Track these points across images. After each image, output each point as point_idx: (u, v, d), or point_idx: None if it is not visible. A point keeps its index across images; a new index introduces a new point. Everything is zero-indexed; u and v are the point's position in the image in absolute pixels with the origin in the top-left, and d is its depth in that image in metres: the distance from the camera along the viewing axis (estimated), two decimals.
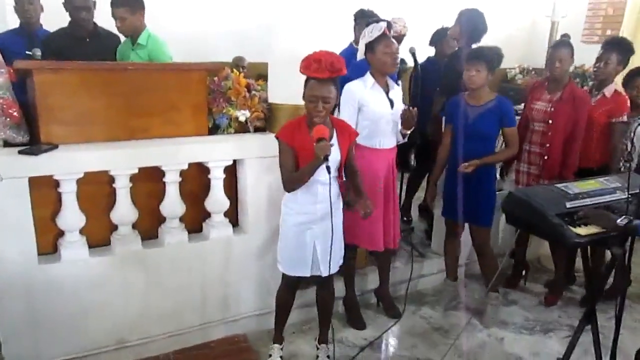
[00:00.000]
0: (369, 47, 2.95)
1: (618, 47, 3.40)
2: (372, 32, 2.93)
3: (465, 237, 3.47)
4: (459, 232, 3.42)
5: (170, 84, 2.85)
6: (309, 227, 2.58)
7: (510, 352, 3.12)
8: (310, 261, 2.63)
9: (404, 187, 4.24)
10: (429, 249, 4.01)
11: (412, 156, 4.00)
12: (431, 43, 4.36)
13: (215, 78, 3.03)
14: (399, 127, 3.05)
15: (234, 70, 3.15)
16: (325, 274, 2.67)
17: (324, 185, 2.52)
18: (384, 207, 3.10)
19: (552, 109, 3.33)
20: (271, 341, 2.93)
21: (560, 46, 3.35)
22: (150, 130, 2.82)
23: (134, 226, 2.83)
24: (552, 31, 4.19)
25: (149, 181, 2.81)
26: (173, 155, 2.76)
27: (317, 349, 2.94)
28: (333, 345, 2.86)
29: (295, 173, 2.48)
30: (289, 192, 2.55)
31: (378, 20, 3.06)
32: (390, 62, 2.93)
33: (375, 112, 2.96)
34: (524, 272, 3.90)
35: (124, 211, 2.73)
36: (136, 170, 2.69)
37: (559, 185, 2.47)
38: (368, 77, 2.99)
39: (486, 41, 3.74)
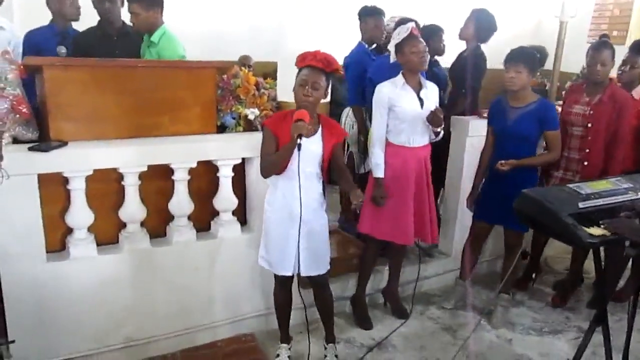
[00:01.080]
0: (398, 48, 2.99)
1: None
2: (399, 34, 2.98)
3: None
4: (485, 233, 3.40)
5: (180, 81, 2.84)
6: (292, 225, 2.55)
7: (519, 353, 3.11)
8: (292, 260, 2.60)
9: None
10: (436, 249, 3.99)
11: None
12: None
13: (225, 76, 3.03)
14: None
15: (242, 68, 3.14)
16: (305, 274, 2.66)
17: (304, 180, 2.49)
18: (417, 202, 3.12)
19: (592, 112, 3.25)
20: (279, 341, 2.92)
21: (602, 48, 3.22)
22: (160, 128, 2.81)
23: (143, 224, 2.82)
24: (561, 31, 4.16)
25: (157, 179, 2.80)
26: (182, 153, 2.75)
27: (325, 348, 2.93)
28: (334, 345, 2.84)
29: (271, 156, 2.48)
30: (265, 177, 2.55)
31: (406, 21, 3.12)
32: (417, 60, 2.95)
33: (405, 111, 2.99)
34: (534, 275, 3.87)
35: (133, 209, 2.72)
36: (145, 168, 2.68)
37: (571, 186, 2.45)
38: (399, 78, 3.02)
39: (492, 42, 3.74)
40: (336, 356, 2.91)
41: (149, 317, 2.85)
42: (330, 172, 2.65)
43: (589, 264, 3.68)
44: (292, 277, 2.73)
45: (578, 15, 6.12)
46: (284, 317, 2.90)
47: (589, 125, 3.25)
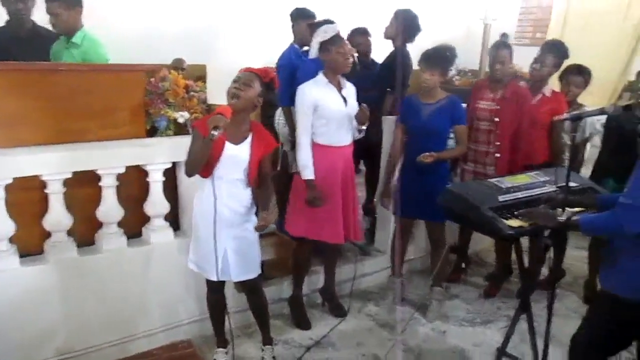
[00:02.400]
0: (324, 46, 3.00)
1: (554, 51, 3.56)
2: (326, 33, 3.00)
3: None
4: (409, 229, 3.49)
5: (106, 85, 2.77)
6: (220, 228, 2.53)
7: (453, 344, 3.21)
8: (218, 265, 2.57)
9: None
10: (372, 247, 4.07)
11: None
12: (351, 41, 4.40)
13: (153, 79, 2.98)
14: (354, 123, 3.10)
15: (172, 71, 3.10)
16: (235, 279, 2.67)
17: (229, 185, 2.50)
18: (343, 201, 3.15)
19: (498, 107, 3.43)
20: (215, 346, 2.90)
21: (500, 48, 3.44)
22: (87, 133, 2.73)
23: (70, 233, 2.72)
24: (485, 33, 4.35)
25: (85, 186, 2.72)
26: (109, 158, 2.68)
27: (262, 350, 2.92)
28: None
29: (191, 152, 2.45)
30: (189, 175, 2.49)
31: (330, 21, 3.13)
32: (343, 61, 2.99)
33: (330, 111, 3.00)
34: (463, 266, 4.01)
35: (58, 217, 2.63)
36: (70, 175, 2.60)
37: (492, 180, 2.57)
38: (321, 77, 3.03)
39: (425, 44, 3.84)
40: (274, 357, 2.91)
41: (80, 328, 2.76)
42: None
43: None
44: (224, 281, 2.72)
45: (504, 18, 6.43)
46: (218, 322, 2.88)
47: (496, 119, 3.44)
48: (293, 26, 3.78)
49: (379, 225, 4.00)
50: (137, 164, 2.78)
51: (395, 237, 3.58)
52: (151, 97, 2.95)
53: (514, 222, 2.29)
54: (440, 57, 3.17)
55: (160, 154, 2.83)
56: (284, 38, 3.85)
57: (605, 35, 5.48)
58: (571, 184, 2.58)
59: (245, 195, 2.60)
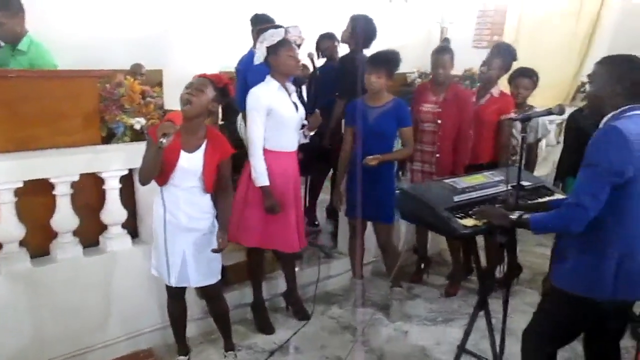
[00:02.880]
0: (272, 50, 2.95)
1: (501, 54, 3.65)
2: (273, 37, 2.95)
3: (370, 235, 3.58)
4: (361, 230, 3.51)
5: (58, 92, 2.71)
6: (177, 234, 2.53)
7: (414, 344, 3.25)
8: (175, 271, 2.57)
9: (307, 190, 4.30)
10: (335, 249, 4.09)
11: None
12: (318, 47, 4.44)
13: (107, 85, 2.93)
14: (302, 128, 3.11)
15: (127, 77, 3.06)
16: (193, 285, 2.66)
17: (186, 193, 2.50)
18: (295, 207, 3.14)
19: (439, 110, 3.51)
20: (177, 354, 2.87)
21: (441, 53, 3.53)
22: (39, 141, 2.66)
23: (22, 243, 2.65)
24: (442, 37, 4.44)
25: (38, 195, 2.65)
26: (62, 166, 2.63)
27: (225, 357, 2.91)
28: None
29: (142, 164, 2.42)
30: (142, 184, 2.47)
31: (277, 25, 3.09)
32: (294, 64, 2.99)
33: (283, 116, 2.98)
34: (422, 266, 4.07)
35: (9, 228, 2.56)
36: (21, 184, 2.53)
37: (447, 181, 2.62)
38: (272, 81, 2.99)
39: (388, 47, 3.88)
40: None
41: (36, 341, 2.68)
42: None
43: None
44: (184, 288, 2.70)
45: (463, 22, 6.57)
46: (179, 329, 2.85)
47: (439, 121, 3.52)
48: (253, 31, 3.77)
49: (341, 227, 4.02)
50: (92, 172, 2.73)
51: (350, 239, 3.60)
52: (106, 103, 2.90)
53: (469, 222, 2.33)
54: (385, 59, 3.21)
55: (115, 160, 2.78)
56: (243, 43, 3.84)
57: (558, 37, 5.65)
58: (524, 183, 2.66)
59: (203, 201, 2.58)
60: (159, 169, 2.38)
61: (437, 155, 3.55)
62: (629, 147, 1.94)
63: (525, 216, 2.19)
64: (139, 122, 2.91)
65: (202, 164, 2.48)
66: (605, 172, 1.96)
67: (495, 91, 3.63)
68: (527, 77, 3.75)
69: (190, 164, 2.47)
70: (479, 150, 3.63)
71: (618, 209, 2.00)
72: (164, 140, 2.21)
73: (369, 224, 3.53)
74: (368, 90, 3.29)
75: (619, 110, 2.04)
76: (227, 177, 2.61)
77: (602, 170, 1.96)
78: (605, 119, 2.09)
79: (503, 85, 3.80)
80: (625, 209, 2.00)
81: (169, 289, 2.68)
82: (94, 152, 2.75)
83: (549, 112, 2.29)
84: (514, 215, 2.22)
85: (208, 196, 2.59)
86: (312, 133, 3.14)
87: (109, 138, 2.94)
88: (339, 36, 4.29)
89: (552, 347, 2.35)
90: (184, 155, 2.46)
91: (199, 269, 2.60)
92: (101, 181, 2.80)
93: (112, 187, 2.81)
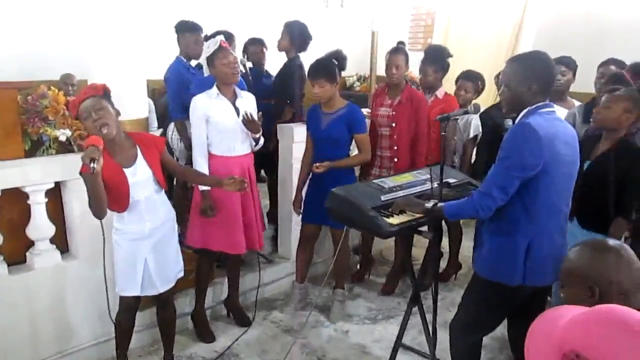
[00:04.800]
0: (209, 61, 3.02)
1: (431, 58, 3.73)
2: (209, 48, 3.01)
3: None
4: (314, 235, 3.55)
5: None
6: (139, 243, 2.53)
7: (354, 342, 3.30)
8: (139, 279, 2.57)
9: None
10: (275, 254, 4.10)
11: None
12: (245, 52, 4.46)
13: (29, 97, 2.84)
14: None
15: (52, 88, 2.97)
16: (161, 290, 2.64)
17: (146, 202, 2.51)
18: (244, 210, 3.15)
19: (394, 113, 3.53)
20: None
21: (396, 53, 3.53)
22: None
23: None
24: (373, 40, 4.54)
25: None
26: None
27: None
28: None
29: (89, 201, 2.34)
30: (99, 218, 2.40)
31: (215, 34, 3.12)
32: (229, 72, 3.00)
33: (220, 121, 3.03)
34: (359, 266, 4.14)
35: None
36: None
37: (375, 181, 2.68)
38: (213, 89, 3.05)
39: (326, 51, 3.92)
40: None
41: None
42: None
43: (418, 252, 4.04)
44: (139, 299, 2.67)
45: (398, 25, 6.72)
46: (126, 342, 2.80)
47: (394, 124, 3.55)
48: (178, 39, 3.74)
49: (282, 232, 4.04)
50: (14, 186, 2.64)
51: (299, 244, 3.63)
52: (28, 115, 2.82)
53: (395, 220, 2.40)
54: (323, 68, 3.22)
55: (40, 174, 2.70)
56: (170, 51, 3.81)
57: (486, 38, 5.85)
58: (450, 180, 2.77)
59: (160, 201, 2.60)
60: (105, 197, 2.32)
61: (395, 159, 3.56)
62: (539, 143, 2.05)
63: (440, 204, 2.28)
64: (64, 134, 2.84)
65: (148, 168, 2.50)
66: (516, 166, 2.06)
67: (439, 93, 3.72)
68: (470, 81, 3.87)
69: (139, 175, 2.47)
70: (430, 151, 3.65)
71: (527, 199, 2.11)
72: (95, 165, 2.15)
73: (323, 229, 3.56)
74: (316, 98, 3.30)
75: (534, 106, 2.15)
76: (171, 160, 2.76)
77: (514, 165, 2.06)
78: (520, 116, 2.20)
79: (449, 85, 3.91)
80: (533, 199, 2.11)
81: (125, 300, 2.64)
82: (15, 166, 2.66)
83: (465, 112, 2.38)
84: (429, 204, 2.31)
85: (164, 195, 2.63)
86: (257, 136, 3.14)
87: (33, 151, 2.86)
88: (268, 42, 4.33)
89: (476, 333, 2.44)
90: (128, 172, 2.45)
91: (162, 272, 2.62)
92: (25, 196, 2.71)
93: (38, 202, 2.73)
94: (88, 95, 2.36)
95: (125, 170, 2.44)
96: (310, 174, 3.42)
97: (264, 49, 4.39)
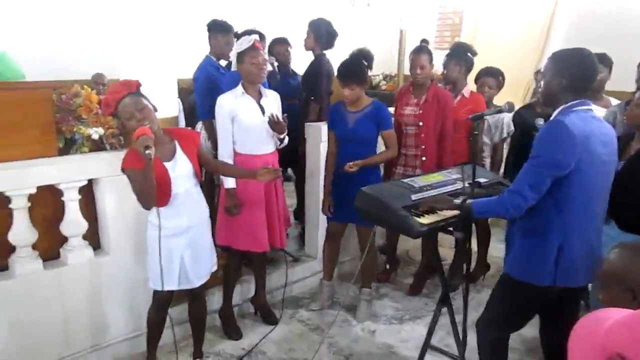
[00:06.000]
0: (239, 58, 3.03)
1: (453, 54, 3.71)
2: (241, 44, 3.01)
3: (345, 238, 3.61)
4: (340, 233, 3.54)
5: (12, 103, 2.66)
6: (175, 239, 2.55)
7: (381, 342, 3.29)
8: (177, 273, 2.60)
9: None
10: (302, 252, 4.11)
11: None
12: (271, 52, 4.45)
13: (63, 96, 2.90)
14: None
15: (85, 87, 3.02)
16: (196, 284, 2.67)
17: (185, 196, 2.54)
18: (267, 209, 3.16)
19: (421, 111, 3.51)
20: None
21: (420, 52, 3.49)
22: None
23: None
24: (401, 39, 4.51)
25: None
26: (18, 179, 2.58)
27: None
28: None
29: (137, 186, 2.38)
30: (147, 209, 2.48)
31: (249, 32, 3.13)
32: (256, 72, 3.00)
33: (246, 121, 3.03)
34: (387, 266, 4.11)
35: None
36: None
37: (405, 180, 2.66)
38: (238, 88, 3.06)
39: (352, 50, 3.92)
40: None
41: None
42: None
43: (444, 252, 4.01)
44: (172, 294, 2.70)
45: (424, 24, 6.67)
46: (157, 337, 2.85)
47: (420, 123, 3.52)
48: (210, 38, 3.77)
49: (309, 231, 4.04)
50: (49, 184, 2.69)
51: (325, 242, 3.63)
52: (62, 114, 2.87)
53: (426, 220, 2.38)
54: (353, 71, 3.21)
55: (74, 171, 2.75)
56: (200, 50, 3.84)
57: (514, 36, 5.77)
58: (481, 179, 2.73)
59: (197, 196, 2.64)
60: (154, 185, 2.35)
61: (423, 158, 3.53)
62: (573, 142, 2.01)
63: (469, 201, 2.25)
64: (96, 132, 2.88)
65: (189, 161, 2.55)
66: (548, 165, 2.03)
67: (465, 91, 3.68)
68: (492, 76, 3.82)
69: (179, 169, 2.51)
70: (459, 151, 3.62)
71: (559, 198, 2.07)
72: (150, 152, 2.22)
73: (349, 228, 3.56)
74: (346, 101, 3.29)
75: (569, 104, 2.11)
76: (206, 154, 2.80)
77: (545, 163, 2.03)
78: (554, 114, 2.16)
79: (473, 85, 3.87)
80: (566, 198, 2.07)
81: (159, 296, 2.67)
82: (50, 164, 2.71)
83: (499, 111, 2.35)
84: (458, 200, 2.28)
85: (200, 190, 2.67)
86: (282, 137, 3.14)
87: (67, 149, 2.91)
88: (294, 41, 4.33)
89: (501, 330, 2.41)
90: (168, 166, 2.49)
91: (198, 268, 2.66)
92: (60, 193, 2.77)
93: (71, 199, 2.78)
94: (123, 94, 2.40)
95: (165, 164, 2.48)
96: (335, 173, 3.42)
97: (289, 48, 4.40)
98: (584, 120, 2.09)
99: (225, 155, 3.06)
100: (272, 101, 3.18)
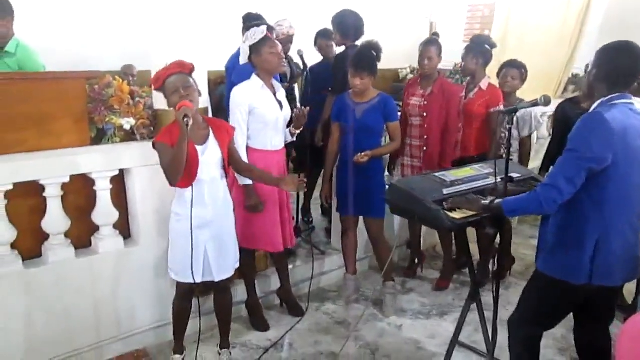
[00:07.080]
0: (254, 49, 2.96)
1: (473, 46, 3.66)
2: (254, 35, 2.95)
3: (364, 231, 3.57)
4: (353, 226, 3.52)
5: (45, 93, 2.70)
6: (199, 231, 2.55)
7: (408, 337, 3.26)
8: (201, 266, 2.61)
9: None
10: (329, 246, 4.10)
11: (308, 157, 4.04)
12: (315, 45, 4.46)
13: (96, 86, 2.93)
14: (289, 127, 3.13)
15: (116, 78, 3.05)
16: (217, 278, 2.67)
17: (210, 185, 2.54)
18: (280, 209, 3.14)
19: (425, 103, 3.52)
20: (172, 352, 2.87)
21: (428, 44, 3.51)
22: (26, 144, 2.65)
23: (14, 246, 2.65)
24: (431, 31, 4.45)
25: (28, 197, 2.66)
26: (52, 168, 2.62)
27: (219, 354, 2.92)
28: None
29: (169, 158, 2.38)
30: (174, 185, 2.46)
31: (259, 24, 3.09)
32: (277, 61, 2.98)
33: (266, 115, 2.98)
34: (416, 261, 4.08)
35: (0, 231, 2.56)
36: (11, 187, 2.53)
37: (437, 174, 2.63)
38: (256, 80, 3.00)
39: (388, 43, 3.85)
40: None
41: (28, 343, 2.68)
42: None
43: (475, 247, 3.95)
44: (195, 286, 2.70)
45: (454, 17, 6.58)
46: (182, 327, 2.86)
47: (425, 114, 3.53)
48: (244, 30, 3.75)
49: (335, 223, 4.03)
50: (82, 173, 2.73)
51: (342, 236, 3.62)
52: (95, 104, 2.90)
53: (457, 214, 2.34)
54: (366, 61, 3.20)
55: (106, 161, 2.78)
56: (232, 42, 3.83)
57: (548, 29, 5.64)
58: (513, 174, 2.68)
59: (223, 189, 2.64)
60: (184, 160, 2.35)
61: (425, 148, 3.56)
62: (610, 135, 1.96)
63: (498, 200, 2.21)
64: (128, 123, 2.91)
65: (219, 149, 2.56)
66: (583, 158, 1.98)
67: (483, 84, 3.64)
68: (515, 68, 3.75)
69: (208, 155, 2.52)
70: (469, 142, 3.65)
71: (596, 194, 2.02)
72: (188, 120, 2.24)
73: (360, 219, 3.54)
74: (354, 91, 3.29)
75: (608, 98, 2.06)
76: (237, 151, 2.77)
77: (581, 156, 1.98)
78: (593, 106, 2.11)
79: (494, 79, 3.81)
80: (603, 194, 2.02)
81: (182, 287, 2.70)
82: (83, 153, 2.74)
83: (534, 104, 2.30)
84: (487, 201, 2.24)
85: (225, 182, 2.65)
86: (298, 131, 3.13)
87: (99, 139, 2.94)
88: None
89: (533, 328, 2.36)
90: (199, 149, 2.50)
91: (221, 262, 2.66)
92: (92, 182, 2.80)
93: (103, 188, 2.81)
94: (176, 71, 2.45)
95: (197, 147, 2.49)
96: (337, 165, 3.43)
97: (331, 42, 4.36)
98: (624, 114, 2.03)
99: (241, 147, 2.95)
100: (283, 95, 3.16)
